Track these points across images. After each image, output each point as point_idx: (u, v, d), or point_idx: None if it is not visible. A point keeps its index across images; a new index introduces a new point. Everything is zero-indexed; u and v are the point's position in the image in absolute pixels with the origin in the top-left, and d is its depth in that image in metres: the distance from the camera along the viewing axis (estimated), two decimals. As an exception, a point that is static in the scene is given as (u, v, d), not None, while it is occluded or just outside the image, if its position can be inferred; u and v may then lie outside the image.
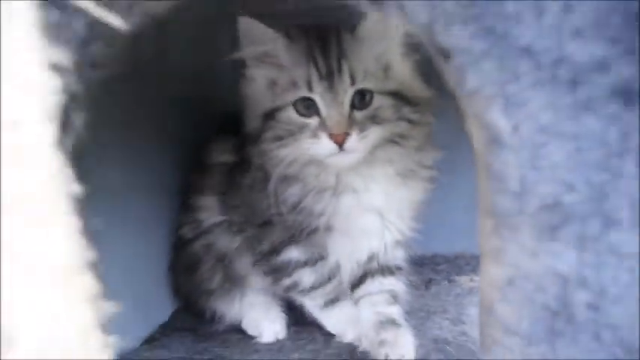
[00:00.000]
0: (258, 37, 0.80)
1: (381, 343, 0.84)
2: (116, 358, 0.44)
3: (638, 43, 0.40)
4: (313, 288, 0.89)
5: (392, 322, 0.88)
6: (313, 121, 0.80)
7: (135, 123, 0.90)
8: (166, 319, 1.00)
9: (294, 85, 0.80)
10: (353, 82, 0.79)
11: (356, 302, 0.94)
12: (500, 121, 0.42)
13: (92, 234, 0.37)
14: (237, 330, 0.94)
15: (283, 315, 0.95)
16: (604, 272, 0.44)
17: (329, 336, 0.91)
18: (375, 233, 0.90)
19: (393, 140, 0.83)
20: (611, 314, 0.45)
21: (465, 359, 0.81)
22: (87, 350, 0.37)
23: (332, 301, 0.91)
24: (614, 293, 0.44)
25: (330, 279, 0.91)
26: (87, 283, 0.34)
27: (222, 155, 0.96)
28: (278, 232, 0.88)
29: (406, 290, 0.96)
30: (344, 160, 0.80)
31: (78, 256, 0.33)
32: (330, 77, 0.78)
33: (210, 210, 0.95)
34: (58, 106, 0.31)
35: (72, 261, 0.33)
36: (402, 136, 0.83)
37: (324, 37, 0.81)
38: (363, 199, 0.86)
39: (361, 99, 0.80)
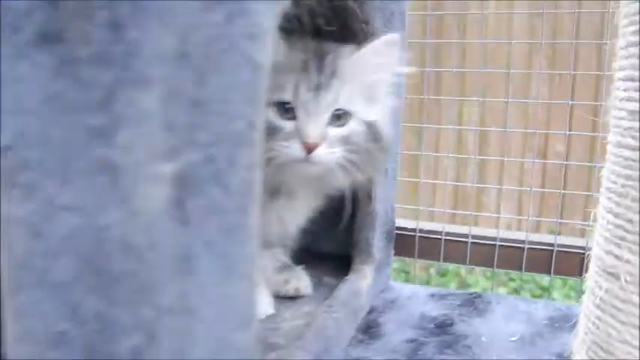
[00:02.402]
0: None
1: (286, 281, 1.01)
2: None
3: None
4: None
5: (289, 266, 1.04)
6: (289, 125, 0.84)
7: None
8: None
9: (281, 87, 0.84)
10: (336, 101, 0.85)
11: None
12: None
13: None
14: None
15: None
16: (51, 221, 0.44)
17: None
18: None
19: (344, 165, 0.87)
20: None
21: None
22: None
23: None
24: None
25: None
26: None
27: None
28: None
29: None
30: (308, 169, 0.86)
31: None
32: (317, 91, 0.84)
33: None
34: None
35: None
36: (354, 165, 0.88)
37: (323, 53, 0.87)
38: (292, 204, 0.97)
39: (339, 118, 0.86)
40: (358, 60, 0.87)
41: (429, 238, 1.24)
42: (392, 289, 1.15)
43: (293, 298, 1.00)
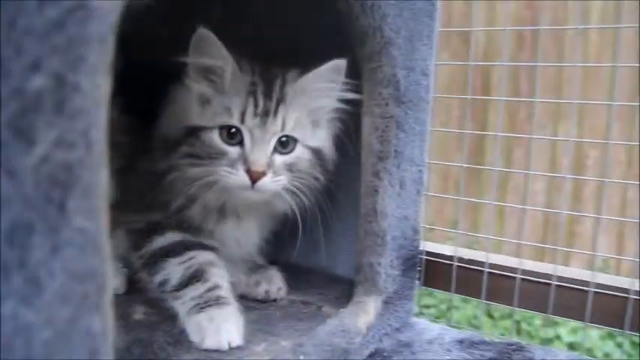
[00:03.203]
0: (210, 52, 0.81)
1: (257, 283, 0.93)
2: None
3: None
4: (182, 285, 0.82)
5: (260, 266, 0.97)
6: (234, 151, 0.82)
7: None
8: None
9: (227, 111, 0.82)
10: (283, 127, 0.83)
11: None
12: None
13: None
14: None
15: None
16: None
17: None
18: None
19: (290, 191, 0.85)
20: None
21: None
22: None
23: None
24: None
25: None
26: None
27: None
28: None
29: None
30: (253, 196, 0.83)
31: None
32: (264, 117, 0.82)
33: None
34: None
35: None
36: (300, 190, 0.86)
37: (271, 77, 0.85)
38: (242, 225, 0.92)
39: (285, 145, 0.84)
40: (304, 85, 0.85)
41: (469, 269, 1.00)
42: (412, 329, 0.93)
43: (263, 301, 0.93)
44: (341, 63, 0.83)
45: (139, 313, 0.85)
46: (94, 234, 0.40)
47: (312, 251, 1.09)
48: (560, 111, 2.04)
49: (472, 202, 1.17)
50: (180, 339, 0.77)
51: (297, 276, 1.01)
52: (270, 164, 0.81)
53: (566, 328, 1.93)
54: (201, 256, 0.84)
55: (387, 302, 0.88)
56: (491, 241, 1.10)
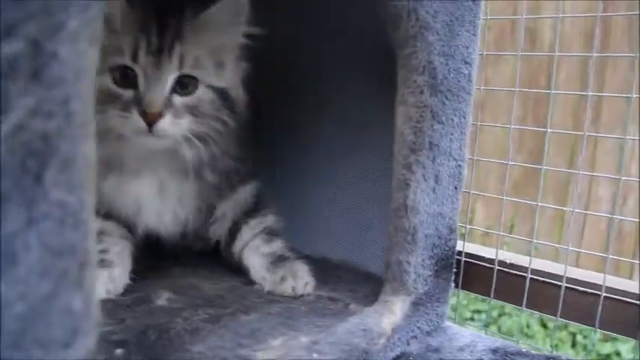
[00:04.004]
0: None
1: (282, 279, 0.87)
2: None
3: None
4: None
5: (281, 258, 0.91)
6: (128, 93, 0.77)
7: None
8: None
9: (119, 51, 0.77)
10: (181, 65, 0.79)
11: (240, 254, 0.95)
12: None
13: None
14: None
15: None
16: None
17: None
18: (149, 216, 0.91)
19: (199, 137, 0.81)
20: None
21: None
22: None
23: None
24: None
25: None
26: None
27: None
28: None
29: (278, 219, 0.98)
30: (152, 143, 0.79)
31: None
32: (158, 54, 0.77)
33: None
34: None
35: None
36: (205, 138, 0.82)
37: (166, 14, 0.80)
38: (140, 183, 0.87)
39: (185, 86, 0.80)
40: (204, 21, 0.79)
41: (511, 274, 0.94)
42: (444, 333, 0.88)
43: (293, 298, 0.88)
44: None
45: (162, 299, 0.85)
46: (74, 208, 0.39)
47: (342, 245, 1.07)
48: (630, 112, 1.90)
49: (529, 206, 1.09)
50: (199, 327, 0.76)
51: (327, 270, 0.98)
52: (167, 105, 0.76)
53: (628, 345, 1.80)
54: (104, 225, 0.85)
55: (416, 304, 0.83)
56: (550, 250, 1.02)
